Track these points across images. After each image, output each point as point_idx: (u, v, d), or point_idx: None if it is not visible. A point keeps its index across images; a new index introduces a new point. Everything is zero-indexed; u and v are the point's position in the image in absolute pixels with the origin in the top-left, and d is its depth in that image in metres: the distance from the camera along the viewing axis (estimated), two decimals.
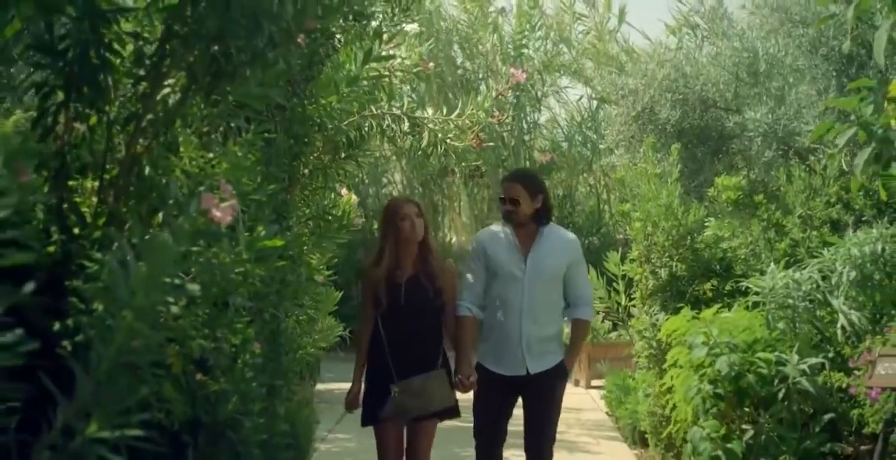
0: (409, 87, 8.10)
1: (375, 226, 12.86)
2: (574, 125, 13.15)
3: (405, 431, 4.11)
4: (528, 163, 12.43)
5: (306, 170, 4.44)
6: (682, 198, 6.25)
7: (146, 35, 2.16)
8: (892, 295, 4.70)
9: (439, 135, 5.07)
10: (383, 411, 3.96)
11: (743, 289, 5.28)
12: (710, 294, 5.85)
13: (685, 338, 4.95)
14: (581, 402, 8.74)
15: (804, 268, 5.00)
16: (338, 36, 4.03)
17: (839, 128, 3.81)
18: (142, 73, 2.13)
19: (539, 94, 12.76)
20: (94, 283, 1.69)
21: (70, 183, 2.12)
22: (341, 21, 3.67)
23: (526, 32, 12.14)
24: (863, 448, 4.53)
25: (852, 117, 3.76)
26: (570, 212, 12.67)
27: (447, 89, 12.30)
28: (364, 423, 4.09)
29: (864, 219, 5.55)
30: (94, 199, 2.13)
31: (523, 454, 4.20)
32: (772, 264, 5.21)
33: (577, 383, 9.88)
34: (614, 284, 6.88)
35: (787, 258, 5.55)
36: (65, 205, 2.06)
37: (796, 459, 4.45)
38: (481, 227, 12.38)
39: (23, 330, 1.34)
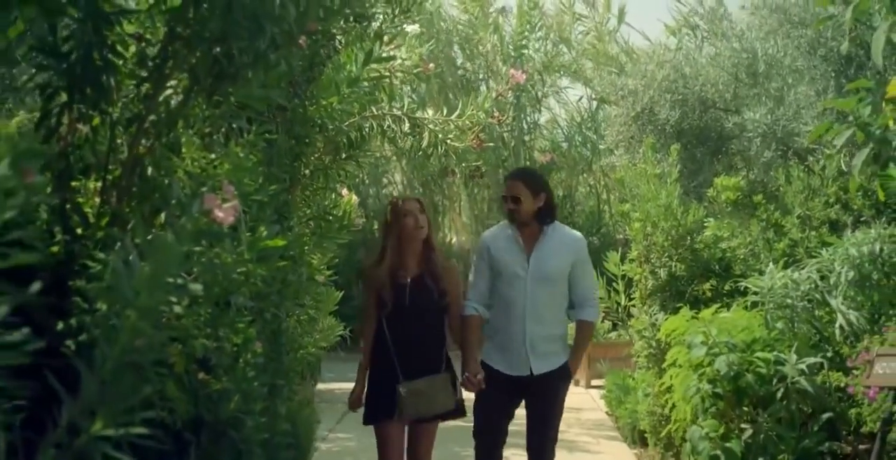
0: (409, 88, 8.11)
1: (376, 226, 12.90)
2: (574, 125, 13.18)
3: (406, 431, 4.12)
4: (528, 163, 12.43)
5: (307, 171, 4.44)
6: (681, 199, 6.27)
7: (149, 37, 2.18)
8: (890, 294, 4.72)
9: (439, 135, 5.08)
10: (389, 410, 3.95)
11: (742, 288, 5.30)
12: (709, 294, 5.87)
13: (684, 338, 4.96)
14: (581, 402, 8.75)
15: (803, 268, 5.01)
16: (339, 37, 4.04)
17: (837, 129, 3.82)
18: (144, 74, 2.14)
19: (539, 94, 12.78)
20: (97, 283, 1.71)
21: (73, 183, 2.14)
22: (342, 23, 3.68)
23: (526, 33, 12.16)
24: (861, 447, 4.54)
25: (850, 118, 3.78)
26: (571, 212, 12.70)
27: (447, 90, 12.32)
28: (366, 422, 4.09)
29: (862, 219, 5.56)
30: (97, 200, 2.14)
31: (524, 454, 4.21)
32: (770, 264, 5.22)
33: (577, 383, 9.89)
34: (614, 284, 6.90)
35: (785, 258, 5.56)
36: (68, 206, 2.07)
37: (795, 458, 4.46)
38: (481, 228, 12.49)
39: (29, 329, 1.35)
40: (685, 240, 6.06)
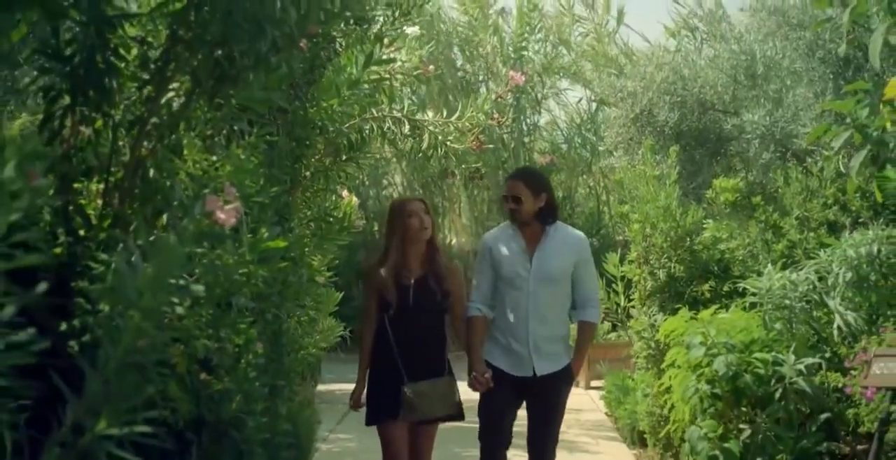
0: (409, 90, 8.12)
1: (376, 227, 12.95)
2: (573, 127, 13.18)
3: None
4: (527, 164, 12.44)
5: (308, 173, 4.46)
6: (680, 200, 6.28)
7: (151, 40, 2.19)
8: (888, 295, 4.73)
9: (439, 137, 5.09)
10: (393, 411, 3.94)
11: (740, 289, 5.30)
12: (707, 295, 5.88)
13: (683, 339, 4.97)
14: (581, 403, 8.76)
15: (801, 270, 5.02)
16: (339, 40, 4.06)
17: (835, 131, 3.83)
18: (147, 77, 2.16)
19: (539, 96, 12.79)
20: (100, 284, 1.73)
21: (75, 185, 2.15)
22: (342, 25, 3.71)
23: (526, 34, 12.16)
24: (859, 447, 4.56)
25: (848, 120, 3.79)
26: (570, 213, 12.70)
27: (447, 91, 12.33)
28: (369, 422, 4.08)
29: (860, 220, 5.57)
30: (100, 202, 2.16)
31: (525, 454, 4.22)
32: (769, 265, 5.23)
33: (576, 384, 9.83)
34: (613, 285, 6.91)
35: (784, 259, 5.57)
36: (71, 208, 2.09)
37: (793, 458, 4.47)
38: (481, 229, 12.51)
39: (34, 329, 1.37)
40: (684, 242, 6.07)
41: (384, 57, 4.49)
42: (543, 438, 4.16)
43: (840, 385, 4.63)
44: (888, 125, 3.73)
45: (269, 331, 3.42)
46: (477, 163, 7.61)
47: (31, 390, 1.48)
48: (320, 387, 8.46)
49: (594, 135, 12.42)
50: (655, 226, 6.09)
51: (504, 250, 4.12)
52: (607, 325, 9.44)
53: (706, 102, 8.04)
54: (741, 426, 4.63)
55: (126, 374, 1.53)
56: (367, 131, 4.91)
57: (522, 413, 4.24)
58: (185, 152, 2.24)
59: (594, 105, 13.07)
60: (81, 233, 2.07)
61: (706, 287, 5.93)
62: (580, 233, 4.26)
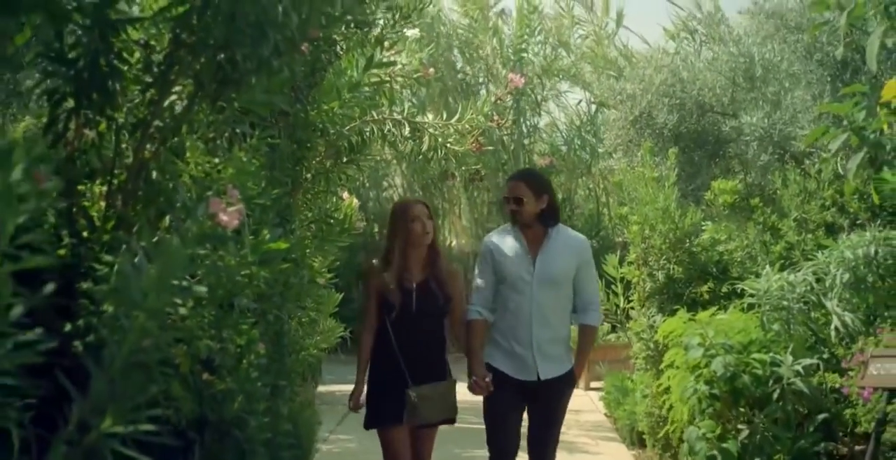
0: (409, 92, 8.15)
1: (377, 229, 12.97)
2: (573, 129, 13.19)
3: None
4: (527, 166, 12.46)
5: (309, 175, 4.47)
6: (679, 202, 6.30)
7: (154, 43, 2.21)
8: (885, 297, 4.75)
9: (439, 139, 5.12)
10: (397, 415, 3.91)
11: (739, 291, 5.32)
12: (706, 296, 5.90)
13: (682, 340, 4.99)
14: (580, 404, 8.78)
15: (799, 271, 5.04)
16: (340, 43, 4.08)
17: (833, 133, 3.86)
18: (150, 80, 2.17)
19: (539, 98, 12.81)
20: (104, 286, 1.75)
21: (79, 188, 2.17)
22: (343, 29, 3.72)
23: (525, 37, 12.18)
24: (857, 448, 4.58)
25: (846, 122, 3.82)
26: (570, 215, 12.72)
27: (447, 93, 12.35)
28: (369, 426, 4.05)
29: (858, 222, 5.59)
30: (103, 204, 2.17)
31: (525, 455, 4.22)
32: (767, 267, 5.25)
33: (576, 385, 9.90)
34: (613, 287, 6.94)
35: (782, 261, 5.60)
36: (74, 210, 2.11)
37: (791, 459, 4.49)
38: (481, 231, 12.53)
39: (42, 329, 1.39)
40: (683, 243, 6.09)
41: (385, 60, 4.51)
42: (544, 439, 4.14)
43: (837, 385, 4.65)
44: (885, 127, 3.75)
45: (271, 331, 3.44)
46: (477, 165, 7.64)
47: (38, 389, 1.50)
48: (320, 389, 8.47)
49: (594, 137, 12.44)
50: (654, 227, 6.11)
51: (506, 253, 4.07)
52: (607, 327, 9.46)
53: (705, 104, 8.08)
54: (739, 426, 4.64)
55: (131, 374, 1.55)
56: (367, 133, 4.93)
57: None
58: (188, 155, 2.26)
59: (594, 107, 13.10)
60: (85, 234, 2.09)
61: (705, 288, 5.95)
62: (581, 236, 4.23)
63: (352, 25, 3.67)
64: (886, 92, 3.59)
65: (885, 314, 4.75)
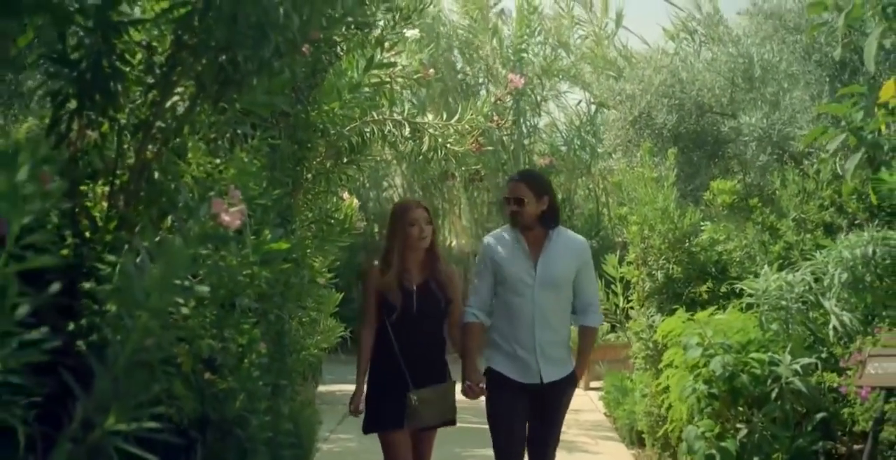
0: (409, 93, 8.16)
1: (377, 229, 12.99)
2: (573, 129, 13.20)
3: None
4: (527, 166, 12.47)
5: (309, 175, 4.48)
6: (678, 202, 6.32)
7: (156, 45, 2.22)
8: (883, 296, 4.76)
9: (439, 139, 5.13)
10: (398, 418, 3.89)
11: (737, 291, 5.33)
12: (705, 296, 5.91)
13: (681, 339, 5.00)
14: (580, 403, 8.78)
15: (797, 271, 5.06)
16: (340, 44, 4.08)
17: (831, 133, 3.87)
18: (152, 81, 2.19)
19: (538, 98, 12.81)
20: (107, 285, 1.76)
21: (82, 188, 2.19)
22: (344, 30, 3.73)
23: (525, 37, 12.19)
24: (855, 447, 4.59)
25: (844, 122, 3.83)
26: (570, 215, 12.73)
27: (447, 94, 12.36)
28: (369, 430, 4.01)
29: (856, 222, 5.61)
30: (106, 204, 2.18)
31: (526, 455, 4.24)
32: (766, 266, 5.26)
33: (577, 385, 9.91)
34: (612, 287, 6.95)
35: (780, 260, 5.61)
36: (77, 210, 2.12)
37: (789, 457, 4.49)
38: (481, 231, 12.54)
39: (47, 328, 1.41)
40: (682, 243, 6.10)
41: (385, 61, 4.53)
42: (545, 439, 4.12)
43: (836, 385, 4.66)
44: (883, 128, 3.77)
45: (272, 331, 3.46)
46: (477, 165, 7.67)
47: (43, 387, 1.52)
48: (321, 388, 8.49)
49: (593, 137, 12.45)
50: (654, 227, 6.12)
51: (506, 256, 4.03)
52: (606, 326, 9.46)
53: (704, 105, 8.10)
54: (738, 425, 4.66)
55: (134, 372, 1.56)
56: (367, 134, 4.94)
57: None
58: (190, 155, 2.28)
59: (593, 107, 13.11)
60: (88, 235, 2.10)
61: (704, 288, 5.96)
62: (581, 238, 4.20)
63: (352, 26, 3.68)
64: (884, 92, 3.60)
65: (883, 313, 4.76)
